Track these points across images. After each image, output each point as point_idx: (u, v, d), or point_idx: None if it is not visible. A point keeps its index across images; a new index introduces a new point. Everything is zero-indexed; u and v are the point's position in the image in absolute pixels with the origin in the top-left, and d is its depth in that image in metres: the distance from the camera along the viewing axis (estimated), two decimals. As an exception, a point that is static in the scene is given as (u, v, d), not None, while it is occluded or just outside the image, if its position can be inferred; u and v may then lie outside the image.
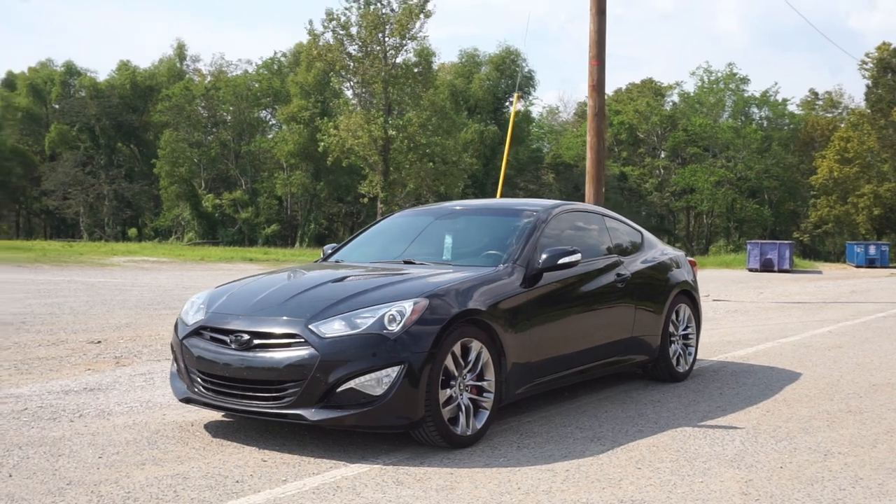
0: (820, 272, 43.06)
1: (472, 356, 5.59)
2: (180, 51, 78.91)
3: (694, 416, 6.50)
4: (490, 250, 6.48)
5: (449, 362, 5.41)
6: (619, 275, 7.12)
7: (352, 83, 55.47)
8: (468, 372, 5.58)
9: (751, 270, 42.48)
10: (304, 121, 62.11)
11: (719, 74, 75.39)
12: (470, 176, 61.41)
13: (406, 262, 6.52)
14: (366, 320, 5.31)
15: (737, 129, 71.42)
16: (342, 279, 6.02)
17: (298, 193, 66.76)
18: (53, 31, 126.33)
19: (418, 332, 5.28)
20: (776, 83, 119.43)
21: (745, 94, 74.96)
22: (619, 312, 7.11)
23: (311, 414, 5.20)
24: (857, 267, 47.74)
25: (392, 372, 5.18)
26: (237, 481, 4.82)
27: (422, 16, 50.29)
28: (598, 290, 6.88)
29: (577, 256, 6.28)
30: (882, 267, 47.18)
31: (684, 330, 8.01)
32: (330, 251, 7.33)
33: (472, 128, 63.15)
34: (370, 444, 5.58)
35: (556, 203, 7.16)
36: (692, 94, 76.52)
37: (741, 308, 16.61)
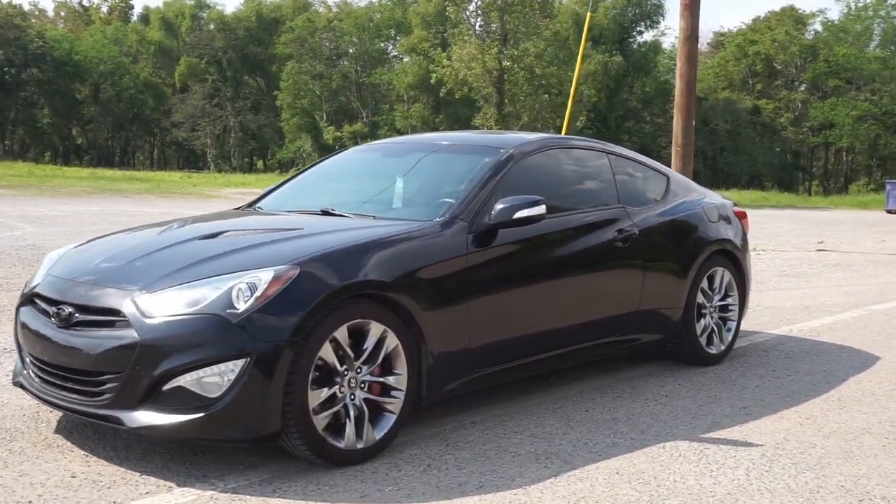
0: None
1: (370, 343, 4.08)
2: (307, -20, 78.36)
3: (702, 424, 4.83)
4: (432, 199, 4.90)
5: (327, 353, 3.93)
6: (620, 231, 5.42)
7: (467, 13, 53.34)
8: (363, 364, 4.07)
9: (889, 212, 39.09)
10: (424, 52, 60.41)
11: (868, 0, 70.08)
12: (591, 109, 58.96)
13: (323, 213, 4.99)
14: (208, 295, 3.85)
15: (885, 59, 66.29)
16: (216, 235, 4.55)
17: (418, 126, 65.46)
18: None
19: (275, 313, 3.81)
20: None
21: (894, 20, 69.33)
22: (618, 279, 5.46)
23: (129, 418, 3.82)
24: None
25: (234, 367, 3.74)
26: (2, 513, 3.49)
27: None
28: (586, 249, 5.22)
29: (541, 209, 4.65)
30: None
31: (721, 300, 6.26)
32: (263, 194, 5.85)
33: (596, 59, 60.08)
34: (229, 455, 4.15)
35: (533, 138, 5.48)
36: (836, 23, 71.49)
37: (847, 261, 14.40)
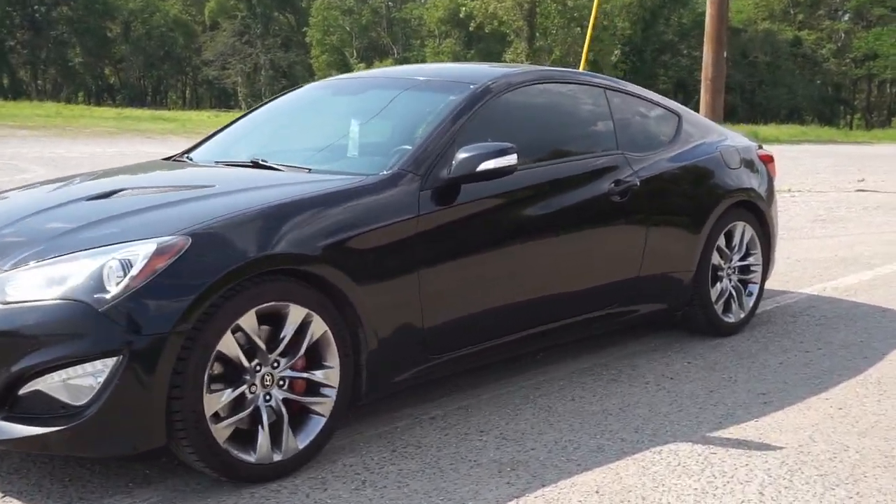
0: None
1: (288, 331, 3.25)
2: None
3: (710, 418, 3.97)
4: (384, 148, 4.01)
5: (229, 345, 3.10)
6: (618, 182, 4.51)
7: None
8: (281, 357, 3.25)
9: (933, 147, 37.67)
10: (456, -15, 58.86)
11: None
12: (625, 42, 57.25)
13: (253, 164, 4.11)
14: (73, 274, 3.03)
15: None
16: (110, 194, 3.68)
17: (449, 62, 64.15)
18: None
19: (156, 297, 2.98)
20: None
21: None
22: (614, 240, 4.54)
23: None
24: None
25: (103, 366, 2.92)
26: None
27: None
28: (573, 207, 4.29)
29: (511, 159, 3.76)
30: None
31: (742, 259, 5.34)
32: (203, 139, 4.96)
33: (631, -12, 58.17)
34: (122, 466, 3.36)
35: (514, 71, 4.52)
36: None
37: (890, 202, 13.28)
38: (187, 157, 4.63)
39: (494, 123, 4.12)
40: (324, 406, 3.36)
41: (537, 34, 48.70)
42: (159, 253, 3.03)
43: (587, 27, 48.32)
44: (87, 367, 2.92)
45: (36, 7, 67.31)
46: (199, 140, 4.89)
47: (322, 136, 4.52)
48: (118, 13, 71.32)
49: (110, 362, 2.91)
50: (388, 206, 3.57)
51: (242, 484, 3.20)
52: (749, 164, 5.42)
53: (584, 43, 15.61)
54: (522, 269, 4.05)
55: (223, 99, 76.78)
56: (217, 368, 3.11)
